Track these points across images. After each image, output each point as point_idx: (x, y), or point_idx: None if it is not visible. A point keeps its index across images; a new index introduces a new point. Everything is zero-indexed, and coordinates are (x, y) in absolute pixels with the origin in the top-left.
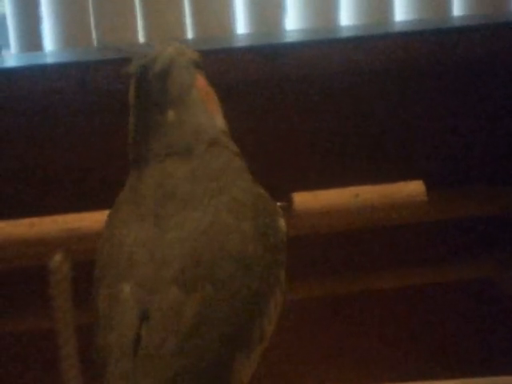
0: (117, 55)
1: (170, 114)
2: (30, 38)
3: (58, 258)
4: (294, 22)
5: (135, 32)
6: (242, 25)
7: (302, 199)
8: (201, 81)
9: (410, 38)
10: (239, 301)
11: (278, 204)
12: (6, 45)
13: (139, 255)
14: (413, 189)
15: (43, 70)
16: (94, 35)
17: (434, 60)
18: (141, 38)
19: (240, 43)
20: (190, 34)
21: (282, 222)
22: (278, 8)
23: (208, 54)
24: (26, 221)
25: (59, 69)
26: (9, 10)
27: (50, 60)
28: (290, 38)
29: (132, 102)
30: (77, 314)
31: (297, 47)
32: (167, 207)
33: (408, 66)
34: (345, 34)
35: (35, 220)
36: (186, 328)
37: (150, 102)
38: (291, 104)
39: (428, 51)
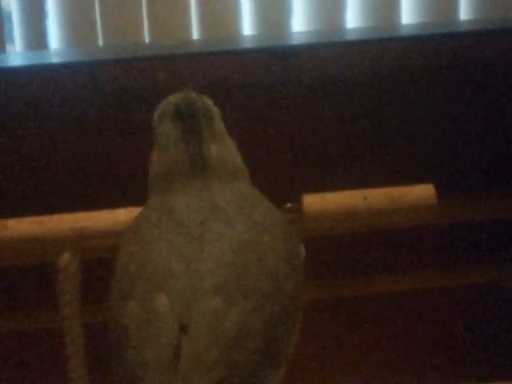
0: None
1: (213, 148)
2: (35, 35)
3: (66, 256)
4: (299, 23)
5: (141, 32)
6: (247, 26)
7: (312, 201)
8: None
9: (422, 42)
10: (273, 318)
11: (288, 205)
12: (11, 41)
13: (176, 267)
14: (423, 192)
15: (52, 68)
16: (99, 34)
17: (445, 63)
18: (146, 38)
19: (249, 44)
20: (195, 35)
21: (302, 247)
22: (284, 9)
23: (218, 55)
24: (36, 219)
25: (69, 68)
26: (14, 8)
27: (58, 59)
28: (299, 39)
29: (169, 135)
30: (84, 313)
31: (310, 49)
32: (204, 223)
33: (422, 69)
34: (354, 36)
35: (44, 218)
36: (227, 339)
37: (194, 136)
38: (301, 106)
39: (438, 55)
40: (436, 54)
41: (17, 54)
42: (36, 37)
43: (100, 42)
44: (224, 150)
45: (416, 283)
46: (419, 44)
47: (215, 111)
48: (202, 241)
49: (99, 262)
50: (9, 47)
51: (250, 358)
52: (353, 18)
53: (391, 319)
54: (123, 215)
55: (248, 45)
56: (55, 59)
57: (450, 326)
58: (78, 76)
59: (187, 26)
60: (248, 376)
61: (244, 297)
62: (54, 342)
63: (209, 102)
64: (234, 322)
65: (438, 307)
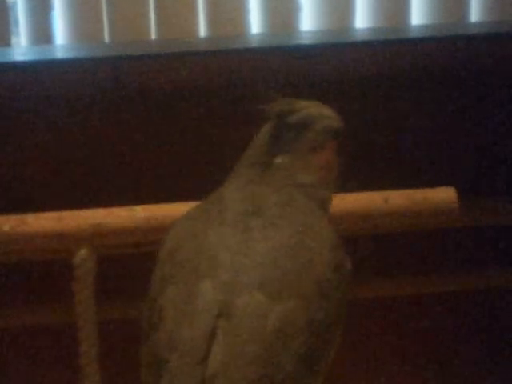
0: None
1: (280, 158)
2: (41, 29)
3: (83, 252)
4: (307, 22)
5: (148, 28)
6: (254, 24)
7: (332, 202)
8: (328, 149)
9: (437, 44)
10: (316, 323)
11: None
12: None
13: (222, 258)
14: (444, 195)
15: (71, 64)
16: (106, 30)
17: (457, 64)
18: (153, 35)
19: (260, 43)
20: (202, 32)
21: (349, 261)
22: (293, 9)
23: (231, 53)
24: (54, 215)
25: (91, 63)
26: (20, 1)
27: (70, 54)
28: (311, 38)
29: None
30: (99, 310)
31: (325, 48)
32: (256, 220)
33: (448, 70)
34: (365, 36)
35: (62, 214)
36: (268, 335)
37: (278, 142)
38: None
39: (449, 56)
40: (447, 56)
41: (26, 49)
42: (41, 31)
43: (106, 38)
44: (295, 165)
45: (429, 286)
46: (430, 45)
47: (319, 139)
48: (249, 236)
49: (115, 259)
50: (13, 40)
51: (290, 360)
52: (361, 19)
53: (397, 323)
54: (140, 212)
55: (259, 44)
56: (68, 54)
57: (459, 331)
58: (98, 72)
59: (194, 24)
60: (288, 377)
61: (286, 296)
62: (68, 337)
63: (328, 127)
64: (276, 319)
65: (452, 311)
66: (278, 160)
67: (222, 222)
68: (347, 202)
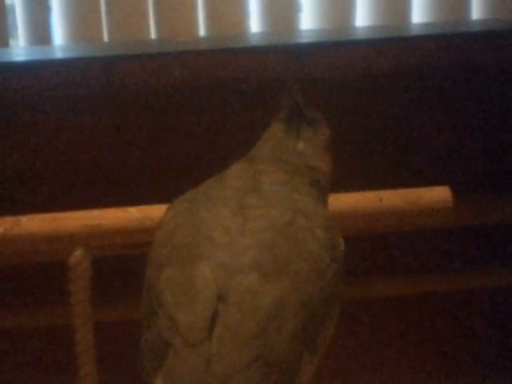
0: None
1: (301, 144)
2: (39, 30)
3: (77, 253)
4: (308, 21)
5: (147, 28)
6: (254, 23)
7: None
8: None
9: (434, 41)
10: (312, 301)
11: None
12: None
13: (220, 239)
14: (438, 194)
15: (63, 64)
16: (104, 30)
17: (458, 63)
18: (152, 35)
19: (260, 42)
20: (201, 32)
21: (342, 241)
22: (293, 7)
23: (233, 53)
24: (48, 216)
25: (90, 64)
26: (17, 1)
27: (69, 55)
28: (311, 37)
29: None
30: (95, 311)
31: (325, 47)
32: (251, 199)
33: (439, 68)
34: (367, 35)
35: (56, 215)
36: (264, 314)
37: (297, 131)
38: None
39: (449, 54)
40: (448, 54)
41: (23, 49)
42: (40, 31)
43: (105, 38)
44: (309, 152)
45: (428, 287)
46: (431, 43)
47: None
48: (245, 216)
49: (110, 260)
50: (11, 41)
51: (287, 338)
52: (362, 17)
53: (401, 322)
54: (135, 213)
55: (259, 42)
56: (67, 54)
57: (464, 330)
58: (90, 71)
59: (194, 23)
60: (284, 356)
61: (280, 275)
62: (65, 338)
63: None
64: (270, 298)
65: (452, 311)
66: (300, 146)
67: (219, 200)
68: (342, 201)
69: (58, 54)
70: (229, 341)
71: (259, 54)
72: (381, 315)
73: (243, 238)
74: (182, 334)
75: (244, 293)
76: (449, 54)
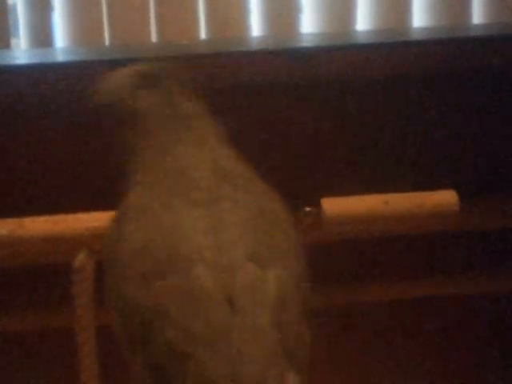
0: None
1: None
2: (41, 32)
3: (81, 256)
4: (309, 24)
5: (149, 31)
6: (256, 27)
7: (331, 205)
8: None
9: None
10: (301, 278)
11: (307, 209)
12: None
13: (203, 240)
14: (445, 198)
15: (71, 67)
16: (106, 33)
17: (458, 67)
18: (153, 38)
19: (261, 45)
20: (203, 34)
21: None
22: (294, 11)
23: (232, 56)
24: (51, 218)
25: (91, 66)
26: (19, 1)
27: (70, 57)
28: (314, 41)
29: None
30: (98, 314)
31: (328, 51)
32: (220, 189)
33: (443, 72)
34: (368, 39)
35: (60, 217)
36: (272, 302)
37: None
38: (320, 108)
39: (451, 59)
40: (449, 58)
41: (26, 51)
42: (41, 33)
43: (106, 41)
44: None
45: (433, 290)
46: (432, 48)
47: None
48: (219, 208)
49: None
50: (13, 41)
51: (295, 319)
52: (363, 21)
53: (405, 326)
54: None
55: (260, 46)
56: (68, 57)
57: (470, 334)
58: (98, 75)
59: (195, 26)
60: (296, 338)
61: (275, 259)
62: (67, 342)
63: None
64: (273, 284)
65: (457, 315)
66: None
67: (188, 202)
68: (348, 204)
69: (61, 57)
70: (250, 335)
71: (261, 57)
72: (386, 319)
73: (225, 233)
74: (201, 340)
75: (249, 285)
76: (450, 58)
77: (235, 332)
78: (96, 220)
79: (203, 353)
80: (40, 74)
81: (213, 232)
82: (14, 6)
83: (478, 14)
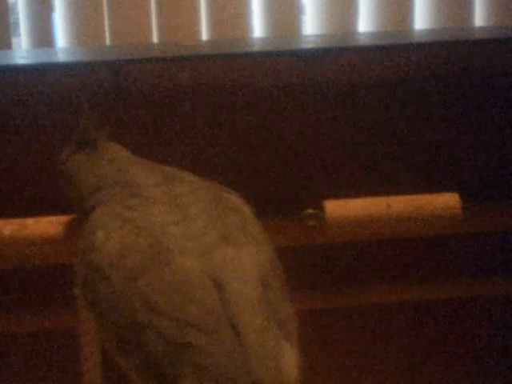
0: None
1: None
2: (42, 33)
3: None
4: (311, 26)
5: (150, 32)
6: (258, 28)
7: (334, 207)
8: None
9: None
10: (272, 256)
11: (309, 211)
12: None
13: (176, 231)
14: (447, 201)
15: (72, 67)
16: (107, 33)
17: (461, 70)
18: (155, 38)
19: (264, 47)
20: (204, 35)
21: None
22: (296, 12)
23: (233, 57)
24: (54, 219)
25: (92, 67)
26: (21, 4)
27: (71, 58)
28: (318, 42)
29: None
30: None
31: (329, 52)
32: (175, 188)
33: (445, 75)
34: (371, 41)
35: (63, 218)
36: (256, 276)
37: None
38: (324, 110)
39: (453, 61)
40: (451, 60)
41: (27, 52)
42: (42, 33)
43: (107, 41)
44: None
45: (436, 294)
46: (434, 50)
47: None
48: (179, 203)
49: None
50: (13, 41)
51: (280, 295)
52: (365, 23)
53: (407, 329)
54: None
55: (261, 47)
56: (69, 57)
57: (472, 338)
58: (99, 75)
59: (196, 27)
60: (284, 312)
61: (246, 241)
62: (70, 343)
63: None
64: (251, 261)
65: (461, 319)
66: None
67: (149, 198)
68: (350, 206)
69: (61, 57)
70: (242, 309)
71: (263, 58)
72: (389, 321)
73: (193, 222)
74: (196, 326)
75: (229, 264)
76: (452, 60)
77: (227, 310)
78: None
79: (200, 338)
80: (40, 73)
81: (182, 223)
82: (15, 5)
83: (480, 17)
